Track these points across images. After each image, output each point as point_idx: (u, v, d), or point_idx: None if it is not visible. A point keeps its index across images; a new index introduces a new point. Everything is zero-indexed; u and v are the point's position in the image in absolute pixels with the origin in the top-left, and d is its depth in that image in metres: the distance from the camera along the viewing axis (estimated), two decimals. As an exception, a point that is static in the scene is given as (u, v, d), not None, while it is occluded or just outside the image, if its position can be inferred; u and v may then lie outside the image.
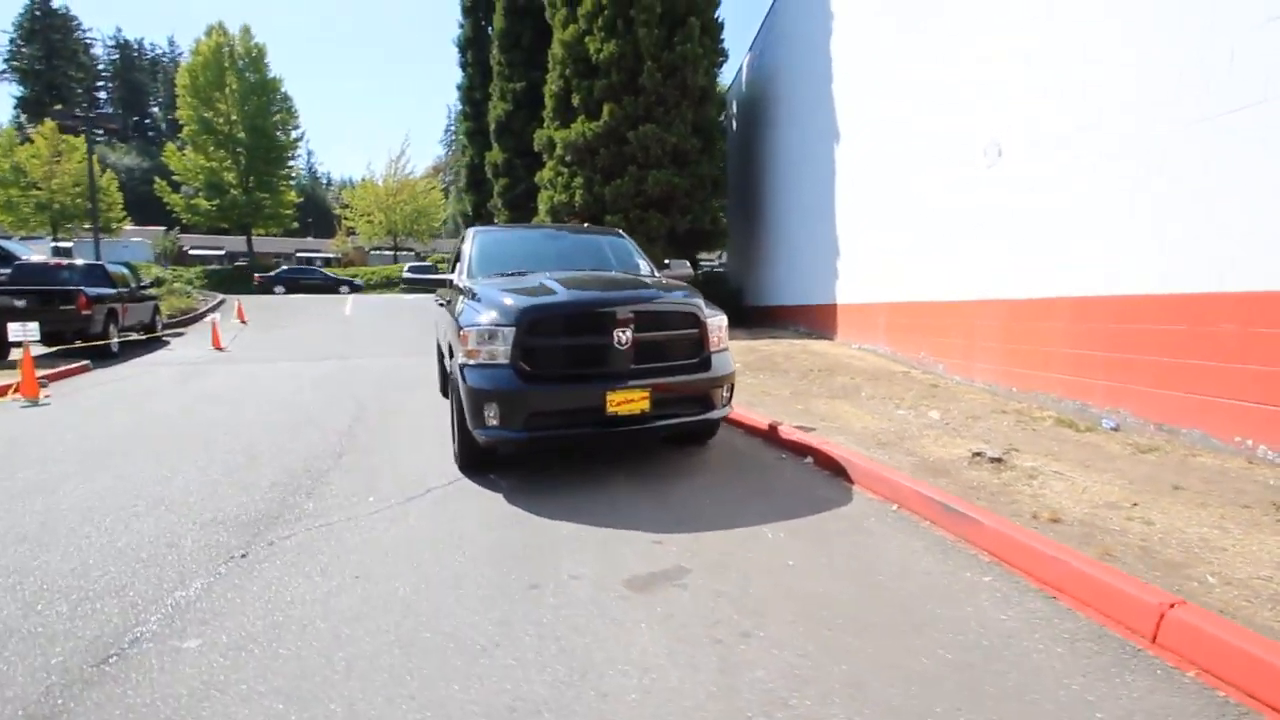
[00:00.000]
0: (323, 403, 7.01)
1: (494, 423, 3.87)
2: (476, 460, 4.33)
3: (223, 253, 46.99)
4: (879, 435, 4.93)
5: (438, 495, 3.95)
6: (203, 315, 18.04)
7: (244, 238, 37.19)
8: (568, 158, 13.58)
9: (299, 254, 53.58)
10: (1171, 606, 2.16)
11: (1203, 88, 4.24)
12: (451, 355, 4.57)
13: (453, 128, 73.30)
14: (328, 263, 50.59)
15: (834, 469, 4.27)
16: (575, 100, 13.56)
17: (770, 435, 5.15)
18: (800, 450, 4.72)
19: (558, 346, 4.00)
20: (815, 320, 10.95)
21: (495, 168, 19.45)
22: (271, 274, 30.19)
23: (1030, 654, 2.17)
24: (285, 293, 27.84)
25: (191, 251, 45.14)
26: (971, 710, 1.89)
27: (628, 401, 3.93)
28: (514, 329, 3.88)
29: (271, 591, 2.70)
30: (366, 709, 1.92)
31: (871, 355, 8.74)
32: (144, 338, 12.78)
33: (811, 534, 3.26)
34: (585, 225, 8.56)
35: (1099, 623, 2.34)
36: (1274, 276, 3.76)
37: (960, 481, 3.81)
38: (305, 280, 29.51)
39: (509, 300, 4.07)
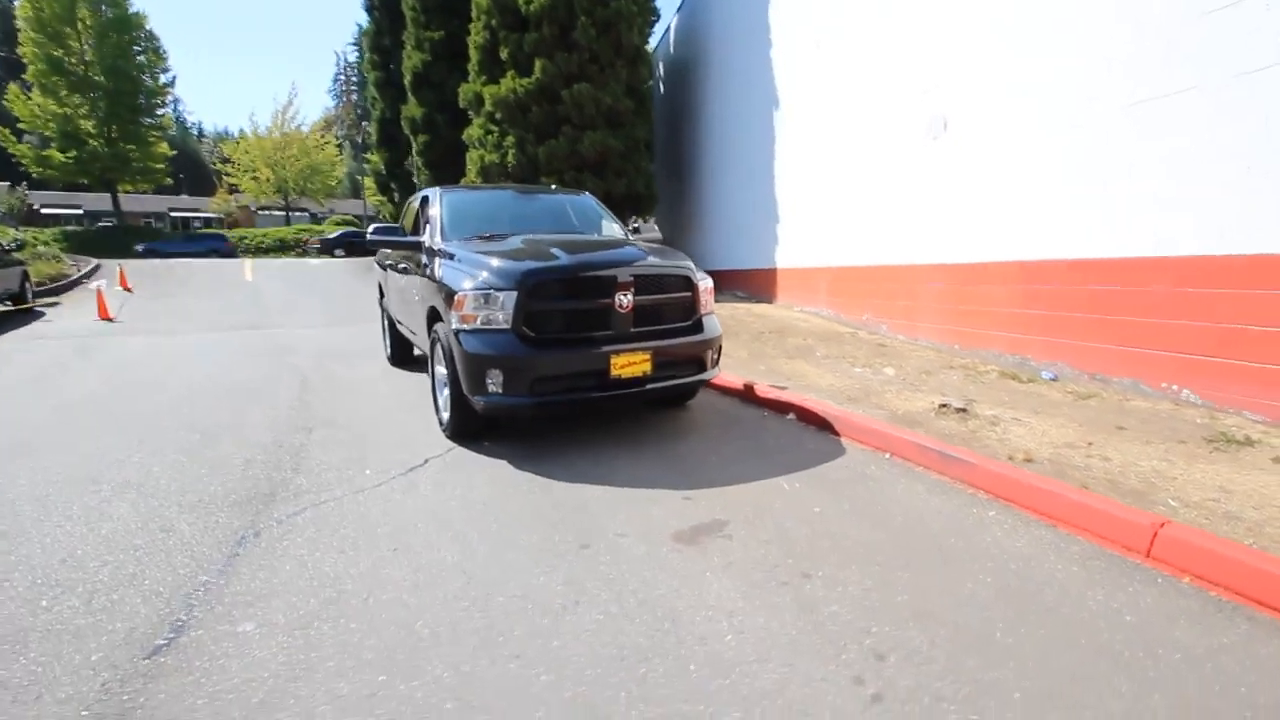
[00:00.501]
0: (260, 377, 6.53)
1: (496, 389, 3.80)
2: (470, 429, 4.23)
3: (81, 211, 41.78)
4: (845, 392, 5.25)
5: (439, 465, 3.84)
6: (77, 282, 16.07)
7: (108, 195, 33.13)
8: (498, 115, 13.04)
9: (173, 213, 48.56)
10: (1162, 525, 2.52)
11: (1140, 75, 4.70)
12: (437, 320, 4.39)
13: (342, 77, 67.47)
14: (208, 224, 46.14)
15: (819, 424, 4.52)
16: (504, 54, 12.97)
17: (747, 395, 5.34)
18: (780, 408, 4.94)
19: (560, 310, 3.95)
20: (755, 285, 11.29)
21: (413, 123, 18.28)
22: (330, 237, 33.21)
23: (1053, 573, 2.47)
24: (345, 255, 29.08)
25: (44, 210, 39.72)
26: (1028, 623, 2.14)
27: (630, 364, 3.96)
28: (516, 293, 3.80)
29: (308, 570, 2.57)
30: (475, 670, 1.92)
31: (816, 318, 9.17)
32: (14, 309, 11.27)
33: (823, 483, 3.47)
34: (553, 186, 8.33)
35: (1098, 544, 2.69)
36: (1201, 243, 4.30)
37: (934, 430, 4.14)
38: (359, 242, 31.63)
39: (504, 263, 3.95)
